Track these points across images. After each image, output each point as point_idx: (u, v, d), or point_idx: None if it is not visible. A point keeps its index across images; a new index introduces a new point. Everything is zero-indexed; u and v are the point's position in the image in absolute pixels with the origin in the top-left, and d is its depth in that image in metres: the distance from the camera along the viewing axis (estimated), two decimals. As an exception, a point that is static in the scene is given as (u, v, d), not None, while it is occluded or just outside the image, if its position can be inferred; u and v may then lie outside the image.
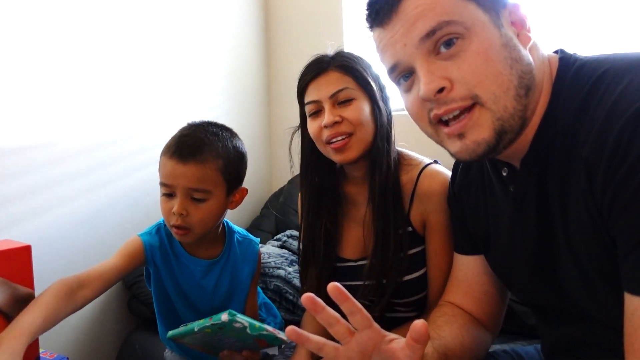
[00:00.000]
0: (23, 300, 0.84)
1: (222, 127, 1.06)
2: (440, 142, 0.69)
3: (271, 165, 2.33)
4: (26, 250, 0.84)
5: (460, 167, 0.90)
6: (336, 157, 1.04)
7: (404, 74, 0.68)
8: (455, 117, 0.64)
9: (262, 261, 1.27)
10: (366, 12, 0.71)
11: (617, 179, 0.54)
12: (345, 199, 1.17)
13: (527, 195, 0.70)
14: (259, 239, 1.19)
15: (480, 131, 0.63)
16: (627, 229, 0.54)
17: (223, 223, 1.10)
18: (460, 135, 0.65)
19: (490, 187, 0.80)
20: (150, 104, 1.76)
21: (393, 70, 0.69)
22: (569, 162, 0.62)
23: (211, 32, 2.05)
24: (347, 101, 1.03)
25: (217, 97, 2.09)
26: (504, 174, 0.74)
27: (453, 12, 0.62)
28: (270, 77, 2.38)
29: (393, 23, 0.66)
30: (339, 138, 1.02)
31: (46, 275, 1.43)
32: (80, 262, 1.53)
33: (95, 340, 1.59)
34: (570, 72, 0.66)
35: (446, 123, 0.66)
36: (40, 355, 0.89)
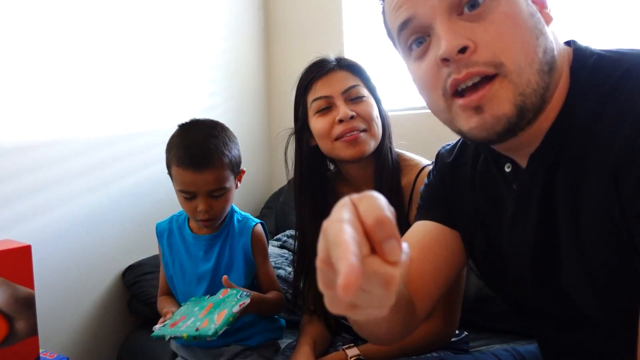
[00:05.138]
0: (23, 301, 0.84)
1: (212, 125, 1.17)
2: (450, 120, 0.63)
3: (271, 165, 2.33)
4: (26, 250, 0.84)
5: (458, 145, 0.83)
6: (347, 152, 1.03)
7: (418, 39, 0.62)
8: (474, 87, 0.58)
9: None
10: None
11: None
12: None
13: (532, 194, 0.66)
14: (261, 221, 1.27)
15: (500, 105, 0.57)
16: None
17: None
18: (478, 109, 0.58)
19: (487, 182, 0.75)
20: (150, 104, 1.76)
21: (405, 25, 0.62)
22: (585, 162, 0.58)
23: (211, 33, 2.05)
24: (358, 98, 1.03)
25: (218, 97, 2.09)
26: (507, 170, 0.69)
27: None
28: (270, 77, 2.38)
29: None
30: (353, 132, 1.01)
31: (46, 275, 1.43)
32: (80, 262, 1.53)
33: (96, 340, 1.59)
34: (589, 64, 0.61)
35: (461, 94, 0.59)
36: (40, 355, 0.89)
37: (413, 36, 0.62)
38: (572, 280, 0.63)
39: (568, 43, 0.67)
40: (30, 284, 0.85)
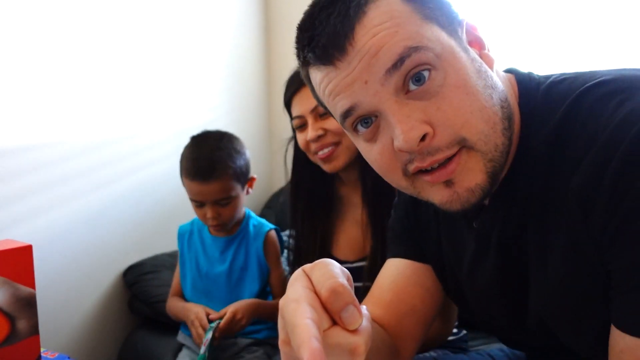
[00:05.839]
0: (24, 300, 0.84)
1: (221, 137, 1.23)
2: (418, 193, 0.58)
3: (271, 165, 2.33)
4: (27, 250, 0.85)
5: None
6: (325, 167, 1.08)
7: (363, 119, 0.56)
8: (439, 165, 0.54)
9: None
10: (302, 47, 0.57)
11: (621, 213, 0.49)
12: (341, 201, 1.18)
13: (493, 234, 0.63)
14: (276, 226, 1.33)
15: (472, 176, 0.54)
16: (630, 266, 0.50)
17: (244, 210, 1.34)
18: (448, 182, 0.54)
19: (449, 216, 0.71)
20: (151, 104, 1.76)
21: (349, 114, 0.55)
22: (548, 194, 0.56)
23: (212, 33, 2.06)
24: (326, 114, 1.04)
25: (218, 97, 2.09)
26: None
27: (419, 35, 0.52)
28: (270, 78, 2.39)
29: (349, 58, 0.53)
30: (325, 150, 1.05)
31: (47, 275, 1.44)
32: (81, 261, 1.53)
33: (97, 339, 1.59)
34: (539, 94, 0.59)
35: (426, 170, 0.55)
36: (42, 354, 0.89)
37: (358, 119, 0.56)
38: (543, 314, 0.61)
39: (507, 71, 0.64)
40: (32, 284, 0.86)
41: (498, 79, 0.57)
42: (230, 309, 1.15)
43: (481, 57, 0.57)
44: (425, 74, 0.52)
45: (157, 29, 1.80)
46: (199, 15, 2.00)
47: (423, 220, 0.76)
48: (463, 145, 0.53)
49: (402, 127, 0.52)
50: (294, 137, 1.16)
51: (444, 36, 0.54)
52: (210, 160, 1.17)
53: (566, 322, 0.59)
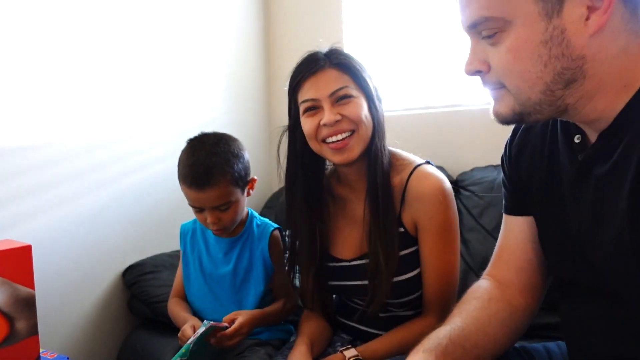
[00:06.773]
0: (24, 300, 0.84)
1: (218, 141, 1.19)
2: None
3: (271, 165, 2.32)
4: (27, 250, 0.85)
5: (522, 129, 0.87)
6: (335, 158, 1.03)
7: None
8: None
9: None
10: None
11: None
12: (337, 199, 1.15)
13: (594, 169, 0.68)
14: (279, 226, 1.30)
15: (500, 106, 0.70)
16: None
17: (246, 210, 1.31)
18: (493, 101, 0.73)
19: (552, 152, 0.78)
20: (151, 104, 1.76)
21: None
22: None
23: (211, 32, 2.06)
24: (346, 98, 1.01)
25: (218, 97, 2.09)
26: (577, 141, 0.73)
27: (495, 5, 0.64)
28: (270, 77, 2.38)
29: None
30: (339, 137, 1.01)
31: (47, 275, 1.44)
32: (80, 261, 1.53)
33: (96, 339, 1.59)
34: None
35: None
36: (41, 354, 0.89)
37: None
38: (616, 255, 0.66)
39: None
40: (31, 284, 0.86)
41: (587, 46, 0.63)
42: (239, 320, 1.12)
43: (588, 19, 0.62)
44: (494, 34, 0.66)
45: (157, 29, 1.79)
46: (199, 15, 1.99)
47: (524, 170, 0.84)
48: (504, 86, 0.68)
49: (467, 59, 0.71)
50: (290, 128, 1.11)
51: (528, 2, 0.63)
52: (206, 166, 1.13)
53: (636, 268, 0.63)
